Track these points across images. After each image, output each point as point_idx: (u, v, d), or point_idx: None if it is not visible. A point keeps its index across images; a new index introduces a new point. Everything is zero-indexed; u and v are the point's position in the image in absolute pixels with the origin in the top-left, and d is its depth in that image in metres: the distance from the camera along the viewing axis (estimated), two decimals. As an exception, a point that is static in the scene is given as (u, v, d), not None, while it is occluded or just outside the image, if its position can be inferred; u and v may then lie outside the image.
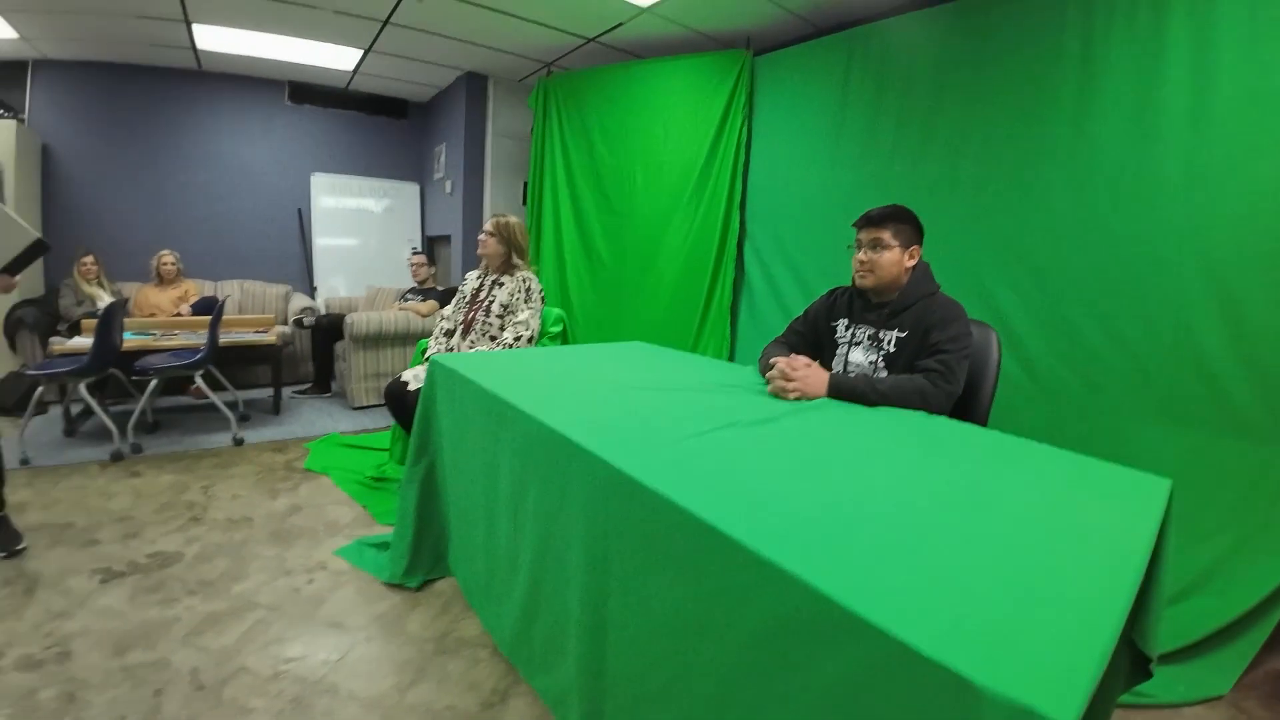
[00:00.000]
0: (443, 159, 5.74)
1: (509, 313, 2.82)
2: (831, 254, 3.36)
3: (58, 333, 4.18)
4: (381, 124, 6.23)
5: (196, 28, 4.65)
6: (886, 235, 1.79)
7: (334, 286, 5.81)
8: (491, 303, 2.83)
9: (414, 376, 2.72)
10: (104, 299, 4.33)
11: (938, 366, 1.65)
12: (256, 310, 5.03)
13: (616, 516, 1.16)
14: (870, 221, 1.82)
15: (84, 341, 3.63)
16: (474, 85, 5.33)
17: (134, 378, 3.82)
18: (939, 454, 1.32)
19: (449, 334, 2.92)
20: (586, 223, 4.47)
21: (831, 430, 1.45)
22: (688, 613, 1.01)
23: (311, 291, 5.76)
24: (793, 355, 1.77)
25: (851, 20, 3.55)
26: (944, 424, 1.52)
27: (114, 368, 3.61)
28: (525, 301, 2.82)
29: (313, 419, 4.12)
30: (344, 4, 4.15)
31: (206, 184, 5.56)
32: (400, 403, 2.68)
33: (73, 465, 3.21)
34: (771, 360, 1.75)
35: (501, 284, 2.86)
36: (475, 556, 1.92)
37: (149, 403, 3.60)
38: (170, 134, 5.43)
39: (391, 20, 4.35)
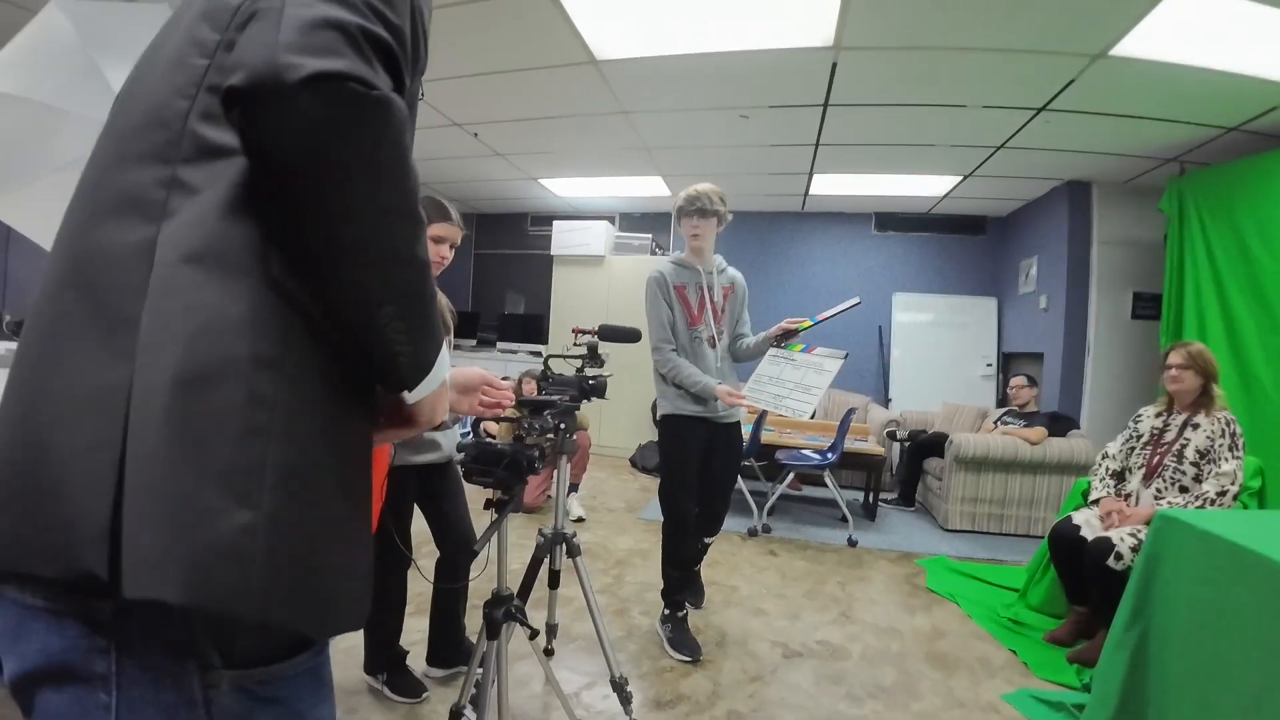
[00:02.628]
0: (1033, 272, 5.47)
1: (1207, 461, 2.36)
2: None
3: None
4: (957, 241, 6.36)
5: (815, 178, 5.62)
6: None
7: (908, 399, 6.03)
8: (1185, 447, 2.42)
9: (1084, 521, 2.50)
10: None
11: None
12: (836, 418, 5.57)
13: None
14: None
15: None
16: (1076, 193, 5.02)
17: (761, 464, 4.64)
18: None
19: (1116, 475, 2.62)
20: (1241, 343, 3.57)
21: None
22: None
23: (886, 403, 6.09)
24: None
25: None
26: None
27: (754, 456, 4.42)
28: (1230, 450, 2.33)
29: (908, 533, 4.22)
30: (963, 138, 4.42)
31: (804, 303, 6.55)
32: (1070, 548, 2.48)
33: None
34: None
35: (1196, 425, 2.43)
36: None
37: (777, 490, 4.27)
38: (776, 261, 6.71)
39: (1006, 144, 4.43)
